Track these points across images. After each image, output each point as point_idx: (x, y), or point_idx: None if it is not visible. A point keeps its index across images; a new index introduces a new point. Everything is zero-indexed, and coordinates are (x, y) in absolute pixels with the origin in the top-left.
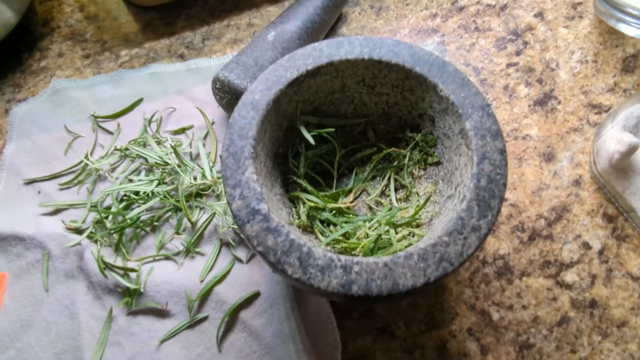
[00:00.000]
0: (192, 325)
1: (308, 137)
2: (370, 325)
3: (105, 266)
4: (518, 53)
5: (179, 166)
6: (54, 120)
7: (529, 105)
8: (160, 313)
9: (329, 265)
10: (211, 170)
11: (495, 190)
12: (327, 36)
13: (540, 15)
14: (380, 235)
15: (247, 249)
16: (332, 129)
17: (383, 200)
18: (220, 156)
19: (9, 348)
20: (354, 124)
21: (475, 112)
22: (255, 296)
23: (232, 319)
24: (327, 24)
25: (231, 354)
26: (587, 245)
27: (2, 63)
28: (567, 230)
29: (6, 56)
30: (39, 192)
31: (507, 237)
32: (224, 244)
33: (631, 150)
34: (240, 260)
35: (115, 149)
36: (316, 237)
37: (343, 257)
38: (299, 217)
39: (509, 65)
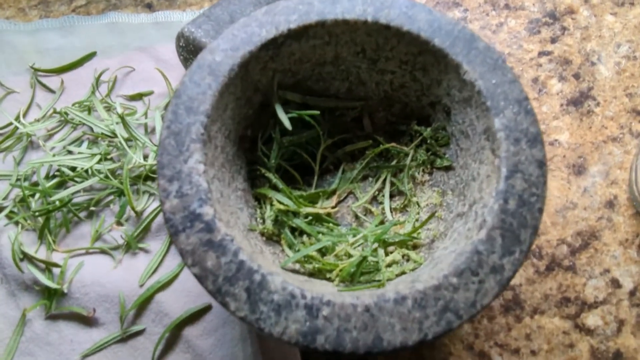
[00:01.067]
0: (125, 339)
1: (284, 118)
2: (343, 358)
3: (23, 257)
4: (554, 40)
5: (128, 140)
6: None
7: (561, 105)
8: (87, 321)
9: (288, 303)
10: None
11: (527, 217)
12: None
13: None
14: (365, 257)
15: None
16: (317, 112)
17: (374, 209)
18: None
19: None
20: (347, 107)
21: (509, 107)
22: (205, 310)
23: (173, 336)
24: None
25: None
26: (616, 283)
27: None
28: (593, 262)
29: None
30: None
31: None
32: None
33: None
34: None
35: (55, 112)
36: (283, 250)
37: (309, 294)
38: (264, 222)
39: (541, 54)
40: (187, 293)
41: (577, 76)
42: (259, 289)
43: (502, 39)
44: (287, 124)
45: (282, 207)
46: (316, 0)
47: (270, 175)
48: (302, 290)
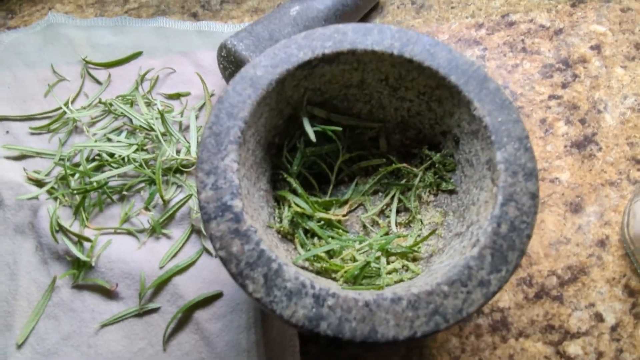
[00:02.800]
0: (141, 314)
1: (310, 132)
2: (337, 356)
3: (59, 229)
4: (564, 85)
5: (164, 135)
6: (41, 56)
7: (565, 146)
8: (108, 293)
9: (299, 290)
10: (198, 146)
11: (516, 241)
12: None
13: (597, 48)
14: (369, 262)
15: None
16: (340, 129)
17: (381, 221)
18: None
19: None
20: (366, 127)
21: (511, 143)
22: (216, 296)
23: (185, 317)
24: (360, 11)
25: (176, 356)
26: (599, 317)
27: None
28: (580, 295)
29: None
30: (7, 132)
31: (511, 289)
32: (195, 230)
33: None
34: (209, 253)
35: (100, 102)
36: (295, 248)
37: (318, 285)
38: (281, 221)
39: (551, 97)
40: (202, 279)
41: (583, 121)
42: (275, 276)
43: (516, 79)
44: (312, 137)
45: (299, 209)
46: (350, 31)
47: (292, 180)
48: (312, 281)
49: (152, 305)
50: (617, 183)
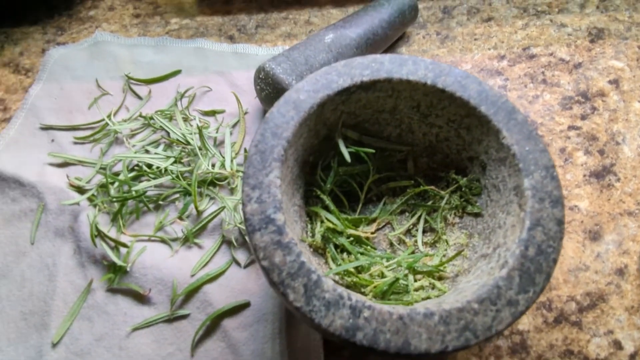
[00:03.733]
0: (171, 320)
1: (345, 153)
2: None
3: (98, 234)
4: (583, 117)
5: (200, 149)
6: (87, 71)
7: (584, 175)
8: (141, 298)
9: (337, 301)
10: (232, 161)
11: (543, 264)
12: (384, 53)
13: (615, 82)
14: (398, 278)
15: (248, 252)
16: (373, 151)
17: (407, 240)
18: (246, 150)
19: None
20: (395, 150)
21: (538, 171)
22: (244, 306)
23: (213, 324)
24: (389, 40)
25: None
26: (618, 345)
27: (53, 3)
28: (599, 322)
29: None
30: (53, 140)
31: (531, 313)
32: (226, 241)
33: None
34: (238, 264)
35: (140, 116)
36: (326, 262)
37: (354, 297)
38: (313, 236)
39: (570, 128)
40: (230, 289)
41: (601, 152)
42: (315, 286)
43: (536, 110)
44: (347, 157)
45: (330, 225)
46: (387, 61)
47: (324, 197)
48: (349, 294)
49: (182, 312)
50: (635, 213)
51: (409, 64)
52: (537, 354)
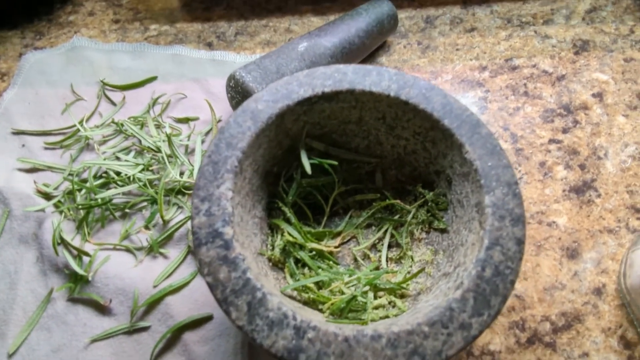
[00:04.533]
0: (131, 332)
1: (306, 165)
2: None
3: (61, 242)
4: (565, 130)
5: (169, 157)
6: (62, 76)
7: (564, 190)
8: (102, 309)
9: (280, 321)
10: None
11: (499, 286)
12: (363, 62)
13: (599, 96)
14: (355, 296)
15: None
16: (336, 163)
17: (372, 255)
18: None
19: None
20: (363, 161)
21: (500, 188)
22: (206, 319)
23: (174, 337)
24: (367, 49)
25: None
26: None
27: (33, 6)
28: (574, 344)
29: (39, 1)
30: (23, 145)
31: (503, 332)
32: (192, 252)
33: None
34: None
35: (113, 122)
36: (285, 277)
37: (299, 317)
38: (273, 249)
39: (551, 141)
40: (193, 301)
41: (582, 167)
42: (259, 304)
43: (517, 122)
44: (308, 169)
45: (291, 238)
46: (350, 71)
47: (286, 210)
48: (294, 313)
49: (142, 324)
50: (615, 231)
51: (373, 74)
52: None
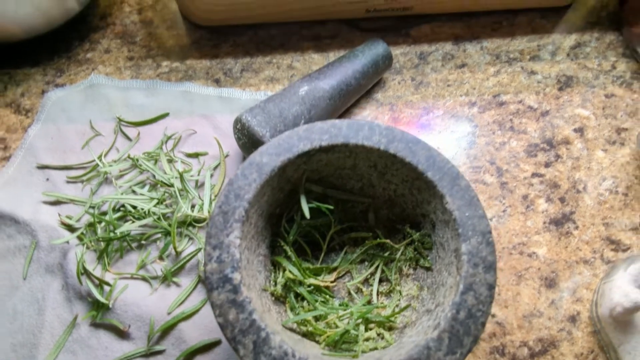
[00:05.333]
0: (147, 355)
1: (305, 210)
2: None
3: (84, 272)
4: (547, 165)
5: (181, 191)
6: (82, 112)
7: (544, 222)
8: (121, 333)
9: (281, 358)
10: (211, 203)
11: (471, 327)
12: (360, 99)
13: (580, 131)
14: (348, 330)
15: None
16: (332, 207)
17: (364, 289)
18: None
19: None
20: (358, 201)
21: (475, 237)
22: (215, 344)
23: None
24: (363, 88)
25: None
26: None
27: (53, 45)
28: None
29: (59, 39)
30: (47, 179)
31: (484, 357)
32: (202, 281)
33: (635, 308)
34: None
35: (129, 157)
36: (286, 310)
37: (298, 354)
38: (275, 285)
39: (534, 175)
40: (204, 327)
41: (562, 200)
42: (263, 343)
43: (502, 156)
44: (307, 214)
45: (291, 276)
46: (345, 127)
47: (287, 248)
48: (293, 350)
49: (158, 348)
50: (591, 262)
51: (365, 129)
52: None
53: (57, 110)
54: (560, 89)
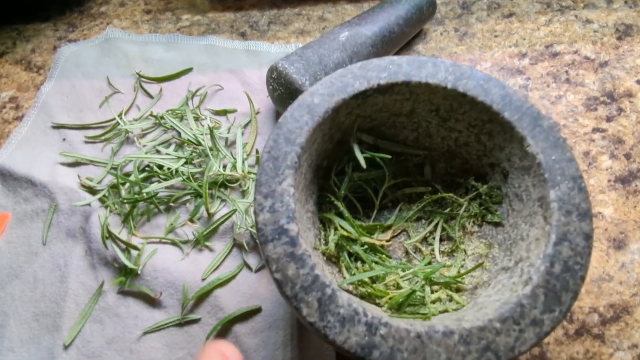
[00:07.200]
0: (182, 324)
1: (361, 159)
2: None
3: (109, 236)
4: (609, 119)
5: (211, 150)
6: (98, 68)
7: (609, 180)
8: (152, 301)
9: (352, 317)
10: (243, 162)
11: (570, 282)
12: (400, 51)
13: None
14: (414, 291)
15: (259, 257)
16: (389, 156)
17: (423, 249)
18: (258, 151)
19: None
20: (412, 154)
21: (565, 182)
22: (255, 311)
23: (224, 329)
24: (406, 37)
25: None
26: None
27: None
28: (622, 335)
29: None
30: (64, 139)
31: None
32: (237, 245)
33: None
34: (249, 268)
35: (151, 115)
36: (340, 271)
37: (370, 313)
38: (327, 244)
39: (595, 130)
40: (241, 293)
41: (628, 156)
42: (329, 301)
43: (559, 111)
44: (363, 163)
45: (345, 233)
46: (405, 63)
47: (339, 204)
48: (364, 309)
49: (193, 316)
50: None
51: (428, 66)
52: None
53: (71, 66)
54: (619, 38)
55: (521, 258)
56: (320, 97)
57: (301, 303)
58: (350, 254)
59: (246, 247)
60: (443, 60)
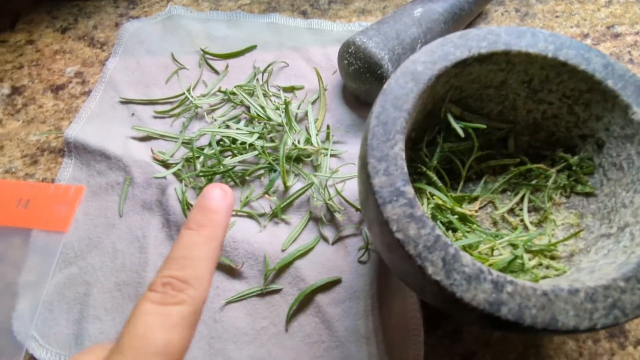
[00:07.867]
0: (263, 294)
1: (458, 129)
2: (453, 350)
3: (189, 207)
4: None
5: (286, 124)
6: (162, 45)
7: None
8: (233, 272)
9: (477, 276)
10: (316, 137)
11: None
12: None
13: None
14: (517, 256)
15: (335, 229)
16: (484, 126)
17: (511, 219)
18: (328, 127)
19: (72, 264)
20: (496, 127)
21: None
22: (335, 282)
23: (306, 300)
24: (472, 15)
25: (298, 337)
26: None
27: None
28: None
29: None
30: (133, 114)
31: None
32: (313, 218)
33: None
34: (325, 240)
35: (220, 91)
36: None
37: (495, 272)
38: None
39: None
40: (320, 265)
41: None
42: (453, 260)
43: None
44: (461, 133)
45: (440, 202)
46: (503, 32)
47: (430, 174)
48: (488, 268)
49: (274, 287)
50: None
51: (527, 35)
52: (637, 338)
53: (135, 43)
54: None
55: (627, 224)
56: (422, 64)
57: (426, 262)
58: (442, 224)
59: (324, 219)
60: (542, 30)
